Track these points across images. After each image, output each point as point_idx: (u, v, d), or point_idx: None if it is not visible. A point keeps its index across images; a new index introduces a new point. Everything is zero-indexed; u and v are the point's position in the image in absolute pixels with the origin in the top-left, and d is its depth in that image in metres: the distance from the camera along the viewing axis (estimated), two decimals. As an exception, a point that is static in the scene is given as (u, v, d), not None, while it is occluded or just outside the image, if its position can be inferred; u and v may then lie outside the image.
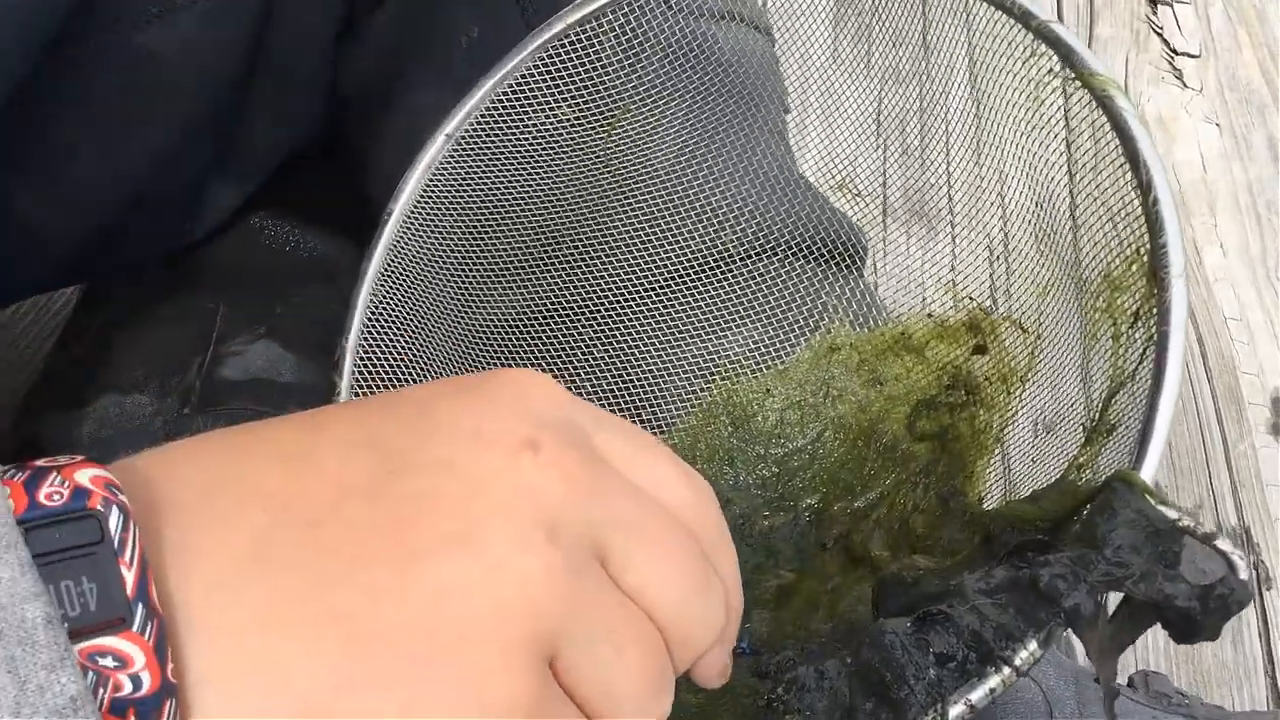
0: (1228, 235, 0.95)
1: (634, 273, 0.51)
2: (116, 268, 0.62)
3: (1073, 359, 0.41)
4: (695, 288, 0.51)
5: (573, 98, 0.50)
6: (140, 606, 0.22)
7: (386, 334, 0.47)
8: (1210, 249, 0.94)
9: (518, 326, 0.51)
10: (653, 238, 0.51)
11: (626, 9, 0.50)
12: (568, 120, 0.50)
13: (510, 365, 0.50)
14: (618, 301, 0.51)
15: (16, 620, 0.21)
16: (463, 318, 0.50)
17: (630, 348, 0.51)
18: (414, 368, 0.47)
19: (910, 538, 0.44)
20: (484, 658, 0.24)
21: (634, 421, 0.50)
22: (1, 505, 0.22)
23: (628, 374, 0.50)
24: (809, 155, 0.55)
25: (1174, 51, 1.12)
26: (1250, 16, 1.16)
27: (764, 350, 0.50)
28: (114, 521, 0.22)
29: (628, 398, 0.50)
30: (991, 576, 0.34)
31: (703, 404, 0.50)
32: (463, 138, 0.49)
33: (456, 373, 0.49)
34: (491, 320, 0.51)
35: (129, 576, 0.22)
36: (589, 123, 0.51)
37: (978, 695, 0.32)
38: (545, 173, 0.50)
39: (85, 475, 0.23)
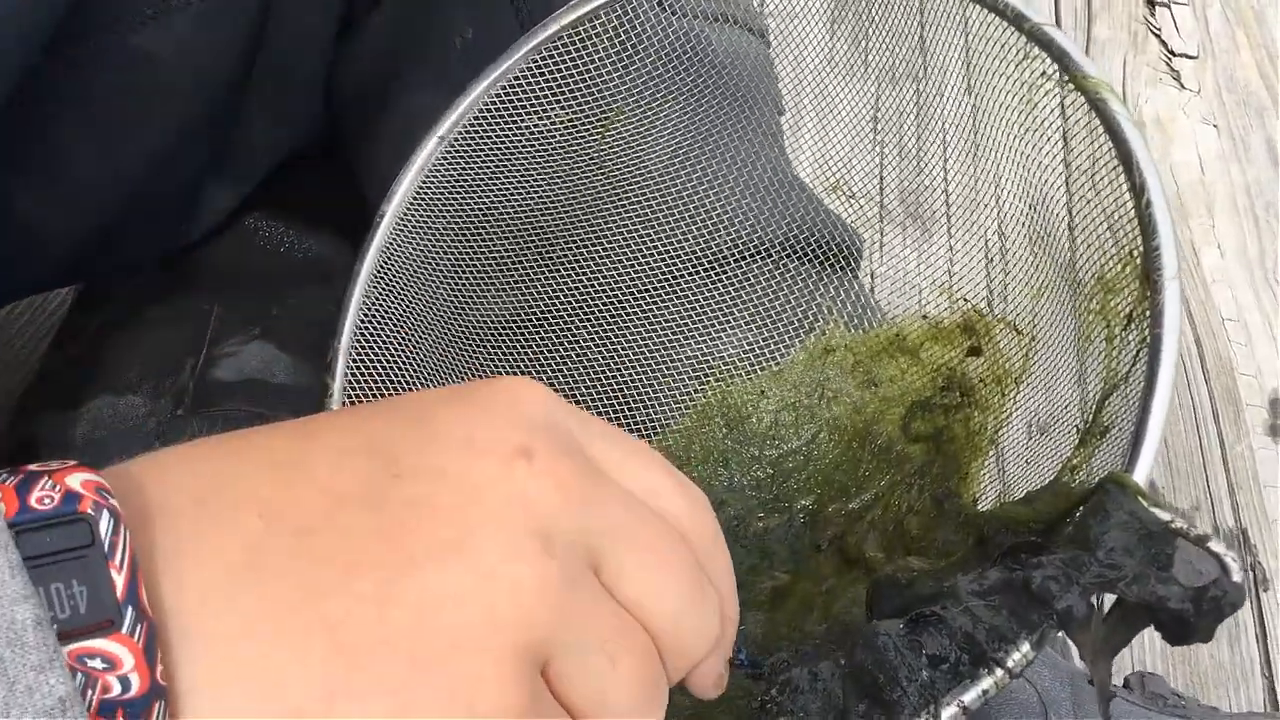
0: (1225, 237, 0.95)
1: (628, 274, 0.51)
2: (114, 268, 0.63)
3: (1067, 361, 0.41)
4: (690, 289, 0.51)
5: (566, 99, 0.50)
6: (130, 609, 0.22)
7: (379, 335, 0.47)
8: (1208, 250, 0.94)
9: (511, 328, 0.51)
10: (647, 239, 0.51)
11: (620, 11, 0.50)
12: (561, 122, 0.50)
13: (503, 366, 0.50)
14: (612, 303, 0.51)
15: (6, 622, 0.21)
16: (456, 319, 0.50)
17: (624, 349, 0.51)
18: (407, 369, 0.47)
19: (905, 539, 0.44)
20: (476, 666, 0.24)
21: (628, 423, 0.50)
22: None
23: (622, 375, 0.50)
24: (804, 158, 0.54)
25: (1172, 53, 1.12)
26: (1248, 18, 1.16)
27: (759, 352, 0.50)
28: (104, 525, 0.22)
29: (622, 399, 0.50)
30: (985, 578, 0.34)
31: (697, 405, 0.50)
32: (456, 139, 0.49)
33: (449, 374, 0.49)
34: (485, 322, 0.51)
35: (119, 580, 0.22)
36: (583, 124, 0.51)
37: (970, 697, 0.32)
38: (539, 174, 0.50)
39: (77, 479, 0.23)
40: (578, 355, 0.51)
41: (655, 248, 0.51)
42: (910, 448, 0.47)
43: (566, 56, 0.50)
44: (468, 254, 0.51)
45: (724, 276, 0.51)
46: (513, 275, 0.51)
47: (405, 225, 0.48)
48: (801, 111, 0.55)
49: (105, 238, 0.57)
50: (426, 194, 0.48)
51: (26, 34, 0.44)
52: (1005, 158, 0.44)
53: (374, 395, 0.46)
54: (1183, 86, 1.09)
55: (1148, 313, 0.35)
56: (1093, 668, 0.32)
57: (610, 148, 0.51)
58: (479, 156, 0.50)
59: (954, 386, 0.47)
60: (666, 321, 0.51)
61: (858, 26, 0.51)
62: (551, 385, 0.29)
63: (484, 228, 0.50)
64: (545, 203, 0.51)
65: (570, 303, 0.51)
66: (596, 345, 0.51)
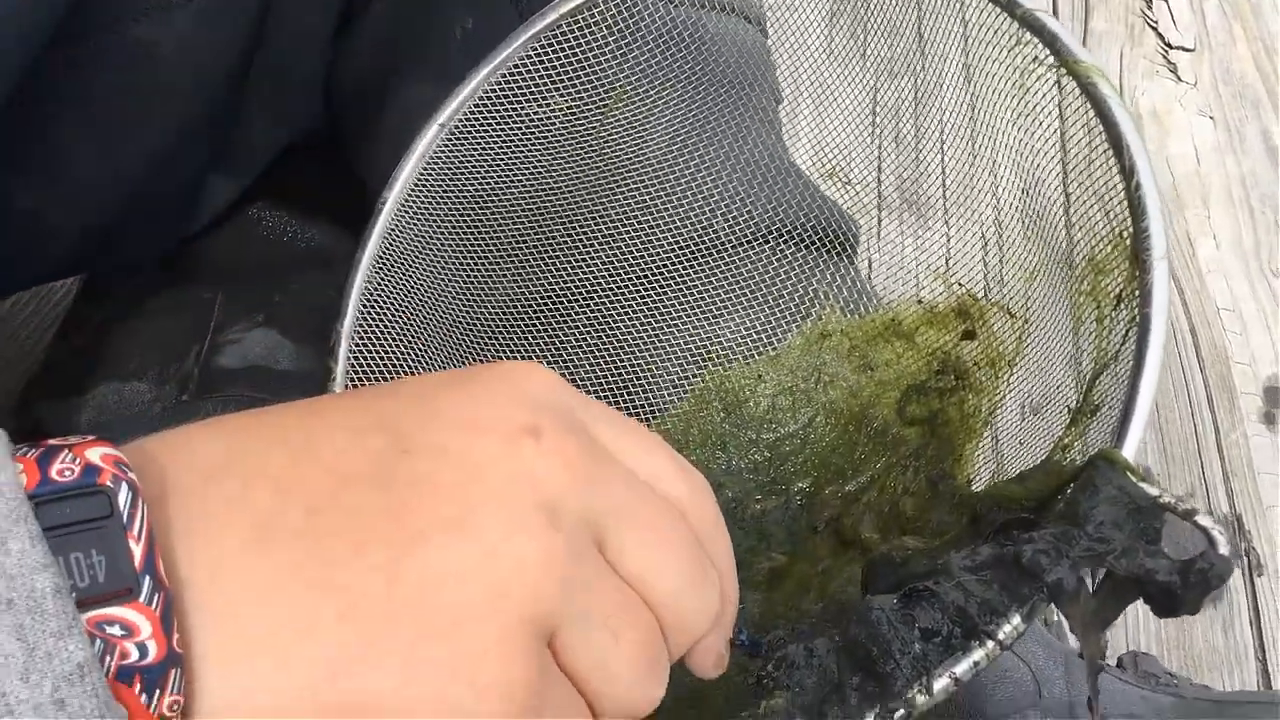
0: (1221, 228, 0.95)
1: (626, 260, 0.51)
2: (115, 266, 0.63)
3: (1059, 343, 0.41)
4: (687, 274, 0.51)
5: (566, 87, 0.50)
6: (147, 578, 0.23)
7: (381, 319, 0.47)
8: (1204, 241, 0.94)
9: (511, 312, 0.51)
10: (645, 225, 0.51)
11: (619, -1, 0.50)
12: (560, 109, 0.51)
13: (503, 350, 0.51)
14: (610, 288, 0.52)
15: (26, 590, 0.21)
16: (456, 304, 0.50)
17: (623, 334, 0.51)
18: (409, 352, 0.48)
19: (900, 520, 0.45)
20: (482, 638, 0.25)
21: (626, 407, 0.51)
22: (13, 480, 0.22)
23: (620, 360, 0.51)
24: (802, 148, 0.55)
25: (1169, 45, 1.13)
26: (1245, 11, 1.16)
27: (756, 336, 0.51)
28: (123, 497, 0.23)
29: (620, 383, 0.51)
30: (977, 554, 0.34)
31: (695, 389, 0.51)
32: (456, 127, 0.49)
33: (451, 358, 0.50)
34: (485, 306, 0.51)
35: (137, 550, 0.23)
36: (581, 112, 0.51)
37: (962, 668, 0.32)
38: (538, 161, 0.51)
39: (96, 453, 0.24)
40: (577, 339, 0.51)
41: (654, 233, 0.51)
42: (905, 430, 0.48)
43: (566, 44, 0.50)
44: (468, 240, 0.51)
45: (721, 262, 0.51)
46: (513, 260, 0.52)
47: (407, 211, 0.48)
48: (800, 102, 0.55)
49: (106, 235, 0.57)
50: (427, 181, 0.49)
51: (26, 34, 0.45)
52: (1001, 144, 0.45)
53: (376, 379, 0.46)
54: (1179, 79, 1.09)
55: (1137, 293, 0.35)
56: (1082, 640, 0.33)
57: (609, 134, 0.52)
58: (479, 144, 0.50)
59: (949, 370, 0.48)
60: (664, 306, 0.51)
61: (856, 18, 0.52)
62: (550, 368, 0.30)
63: (484, 214, 0.51)
64: (545, 189, 0.51)
65: (569, 287, 0.52)
66: (595, 329, 0.51)
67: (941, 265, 0.51)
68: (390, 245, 0.48)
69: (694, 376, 0.51)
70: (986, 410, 0.45)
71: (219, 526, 0.25)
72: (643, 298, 0.51)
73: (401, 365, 0.48)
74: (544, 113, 0.50)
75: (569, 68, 0.50)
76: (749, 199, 0.52)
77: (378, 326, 0.47)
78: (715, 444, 0.50)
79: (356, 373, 0.46)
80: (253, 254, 0.62)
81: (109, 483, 0.23)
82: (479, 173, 0.50)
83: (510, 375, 0.29)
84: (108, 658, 0.22)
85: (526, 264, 0.52)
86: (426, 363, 0.49)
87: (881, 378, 0.49)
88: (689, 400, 0.50)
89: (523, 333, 0.51)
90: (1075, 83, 0.38)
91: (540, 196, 0.51)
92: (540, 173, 0.51)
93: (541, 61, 0.50)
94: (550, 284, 0.51)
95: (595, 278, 0.51)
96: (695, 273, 0.52)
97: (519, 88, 0.50)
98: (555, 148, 0.51)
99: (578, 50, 0.50)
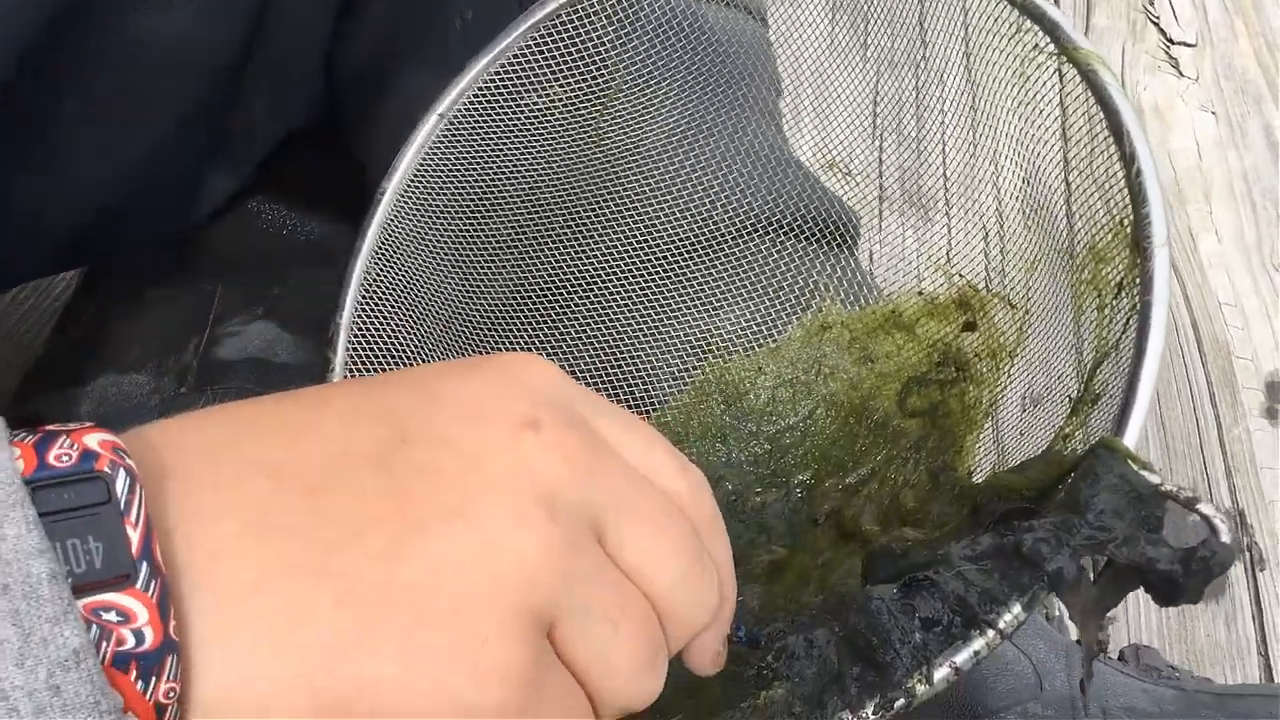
0: (1223, 222, 0.95)
1: (626, 251, 0.51)
2: (115, 252, 0.63)
3: (1060, 333, 0.41)
4: (688, 266, 0.51)
5: (565, 77, 0.50)
6: (144, 565, 0.23)
7: (381, 310, 0.47)
8: (1205, 235, 0.94)
9: (511, 303, 0.51)
10: (645, 216, 0.51)
11: (619, -11, 0.50)
12: (560, 100, 0.51)
13: (502, 342, 0.51)
14: (610, 280, 0.52)
15: (22, 575, 0.21)
16: (456, 295, 0.50)
17: (623, 326, 0.51)
18: (408, 343, 0.48)
19: (900, 512, 0.45)
20: (480, 626, 0.25)
21: (626, 399, 0.51)
22: (10, 465, 0.22)
23: (620, 352, 0.51)
24: (804, 142, 0.55)
25: (1170, 41, 1.12)
26: (1246, 6, 1.16)
27: (756, 328, 0.51)
28: (121, 483, 0.23)
29: (620, 375, 0.51)
30: (977, 544, 0.34)
31: (695, 382, 0.51)
32: (456, 117, 0.49)
33: (450, 349, 0.50)
34: (484, 297, 0.51)
35: (134, 536, 0.23)
36: (581, 102, 0.51)
37: (962, 658, 0.32)
38: (538, 152, 0.51)
39: (94, 439, 0.23)
40: (577, 331, 0.51)
41: (654, 224, 0.51)
42: (906, 422, 0.48)
43: (565, 34, 0.50)
44: (468, 230, 0.51)
45: (722, 254, 0.51)
46: (512, 252, 0.51)
47: (406, 202, 0.48)
48: (801, 96, 0.55)
49: (105, 224, 0.57)
50: (427, 171, 0.49)
51: (15, 34, 0.45)
52: (1001, 133, 0.45)
53: (375, 370, 0.46)
54: (1181, 74, 1.09)
55: (1138, 280, 0.35)
56: (1081, 629, 0.33)
57: (608, 125, 0.52)
58: (479, 133, 0.50)
59: (949, 361, 0.48)
60: (665, 298, 0.51)
61: (857, 10, 0.51)
62: (550, 361, 0.30)
63: (484, 204, 0.51)
64: (545, 180, 0.51)
65: (569, 279, 0.51)
66: (595, 321, 0.51)
67: (942, 257, 0.50)
68: (389, 236, 0.48)
69: (694, 368, 0.50)
70: (987, 402, 0.45)
71: (217, 512, 0.25)
72: (643, 289, 0.51)
73: (400, 356, 0.47)
74: (544, 103, 0.50)
75: (569, 58, 0.50)
76: (749, 190, 0.52)
77: (377, 317, 0.47)
78: (715, 436, 0.50)
79: (355, 364, 0.46)
80: (252, 247, 0.62)
81: (106, 468, 0.23)
82: (478, 163, 0.50)
83: (511, 367, 0.29)
84: (104, 644, 0.22)
85: (526, 255, 0.52)
86: (425, 354, 0.49)
87: (882, 370, 0.49)
88: (689, 392, 0.50)
89: (522, 324, 0.51)
90: (1075, 70, 0.38)
91: (539, 187, 0.51)
92: (540, 163, 0.51)
93: (541, 51, 0.50)
94: (550, 275, 0.51)
95: (595, 269, 0.51)
96: (695, 264, 0.51)
97: (519, 78, 0.50)
98: (555, 138, 0.51)
99: (577, 40, 0.50)
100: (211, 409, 0.27)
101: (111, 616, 0.22)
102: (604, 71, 0.51)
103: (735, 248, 0.51)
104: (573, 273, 0.51)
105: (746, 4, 0.56)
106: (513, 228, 0.51)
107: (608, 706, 0.28)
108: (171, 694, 0.23)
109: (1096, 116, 0.38)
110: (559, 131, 0.51)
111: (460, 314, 0.50)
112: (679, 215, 0.51)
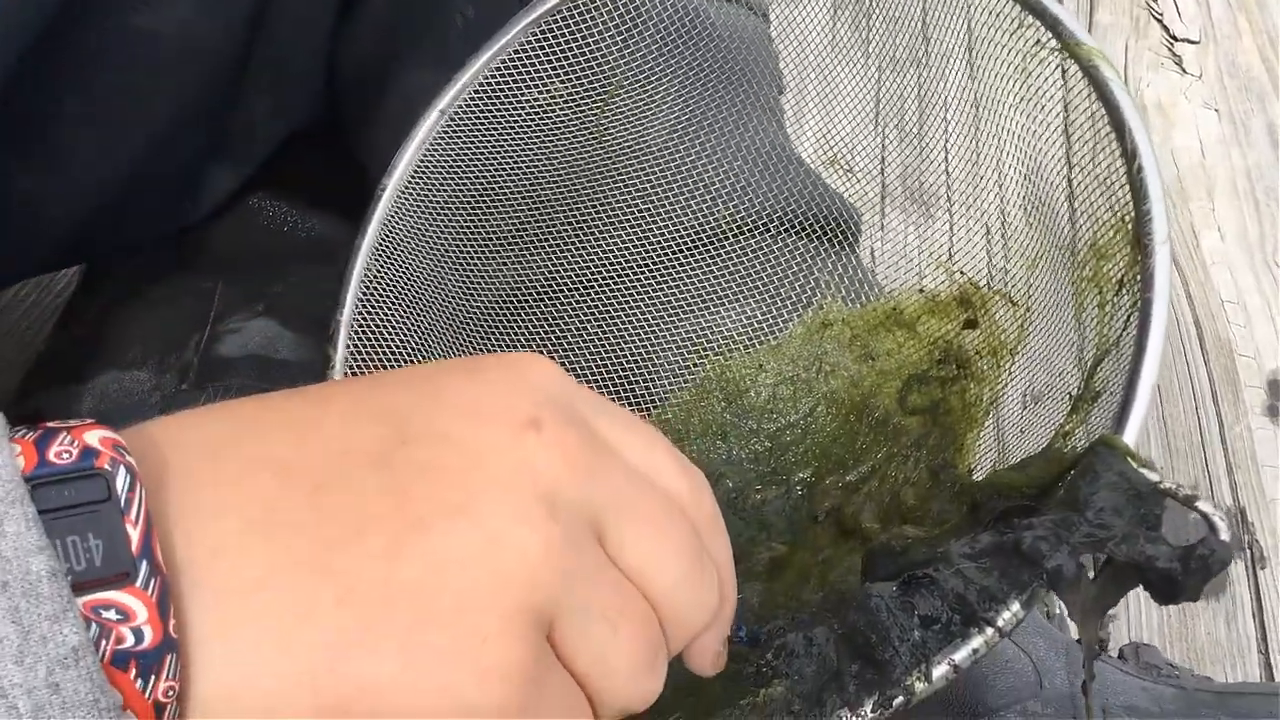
0: (1226, 220, 0.95)
1: (627, 248, 0.51)
2: (116, 247, 0.63)
3: (1061, 330, 0.41)
4: (689, 263, 0.51)
5: (566, 74, 0.50)
6: (144, 563, 0.23)
7: (381, 307, 0.47)
8: (1208, 233, 0.94)
9: (511, 301, 0.51)
10: (646, 213, 0.51)
11: (620, -15, 0.50)
12: (561, 96, 0.51)
13: (503, 338, 0.51)
14: (611, 277, 0.51)
15: (21, 572, 0.21)
16: (456, 292, 0.50)
17: (624, 323, 0.51)
18: (408, 340, 0.48)
19: (901, 510, 0.45)
20: (481, 624, 0.25)
21: (627, 397, 0.51)
22: (10, 462, 0.22)
23: (621, 349, 0.51)
24: (807, 140, 0.55)
25: (1174, 38, 1.12)
26: (1250, 3, 1.16)
27: (757, 326, 0.51)
28: (121, 481, 0.23)
29: (621, 372, 0.51)
30: (977, 541, 0.34)
31: (696, 379, 0.51)
32: (456, 113, 0.49)
33: (450, 347, 0.50)
34: (485, 295, 0.51)
35: (134, 534, 0.23)
36: (582, 98, 0.51)
37: (961, 655, 0.32)
38: (539, 148, 0.51)
39: (94, 436, 0.23)
40: (577, 328, 0.51)
41: (654, 222, 0.51)
42: (907, 420, 0.48)
43: (566, 30, 0.50)
44: (468, 227, 0.51)
45: (723, 251, 0.51)
46: (513, 248, 0.51)
47: (406, 198, 0.48)
48: (804, 94, 0.55)
49: (106, 219, 0.57)
50: (427, 167, 0.49)
51: (13, 34, 0.44)
52: (1004, 129, 0.45)
53: (375, 367, 0.46)
54: (1184, 71, 1.09)
55: (1139, 277, 0.35)
56: (1080, 626, 0.33)
57: (610, 122, 0.51)
58: (479, 130, 0.50)
59: (950, 359, 0.47)
60: (665, 295, 0.51)
61: (859, 7, 0.51)
62: (551, 358, 0.30)
63: (484, 201, 0.51)
64: (545, 177, 0.51)
65: (570, 276, 0.51)
66: (596, 319, 0.51)
67: (944, 254, 0.50)
68: (390, 232, 0.48)
69: (695, 366, 0.50)
70: (988, 399, 0.45)
71: (219, 510, 0.25)
72: (643, 286, 0.51)
73: (401, 353, 0.47)
74: (545, 99, 0.50)
75: (570, 54, 0.50)
76: (751, 187, 0.52)
77: (377, 314, 0.47)
78: (716, 434, 0.50)
79: (356, 361, 0.46)
80: (253, 244, 0.62)
81: (107, 466, 0.23)
82: (479, 159, 0.50)
83: (513, 366, 0.29)
84: (103, 642, 0.22)
85: (526, 252, 0.52)
86: (426, 351, 0.49)
87: (883, 367, 0.49)
88: (690, 390, 0.50)
89: (523, 321, 0.51)
90: (1078, 66, 0.38)
91: (541, 184, 0.51)
92: (541, 160, 0.51)
93: (542, 48, 0.50)
94: (550, 272, 0.51)
95: (595, 266, 0.51)
96: (696, 261, 0.51)
97: (519, 74, 0.50)
98: (556, 135, 0.51)
99: (578, 37, 0.50)
100: (212, 406, 0.27)
101: (111, 614, 0.22)
102: (605, 68, 0.51)
103: (736, 244, 0.51)
104: (573, 269, 0.51)
105: (748, 0, 0.56)
106: (514, 224, 0.51)
107: (607, 707, 0.28)
108: (170, 692, 0.23)
109: (1099, 113, 0.38)
110: (560, 127, 0.51)
111: (460, 310, 0.50)
112: (680, 212, 0.51)
